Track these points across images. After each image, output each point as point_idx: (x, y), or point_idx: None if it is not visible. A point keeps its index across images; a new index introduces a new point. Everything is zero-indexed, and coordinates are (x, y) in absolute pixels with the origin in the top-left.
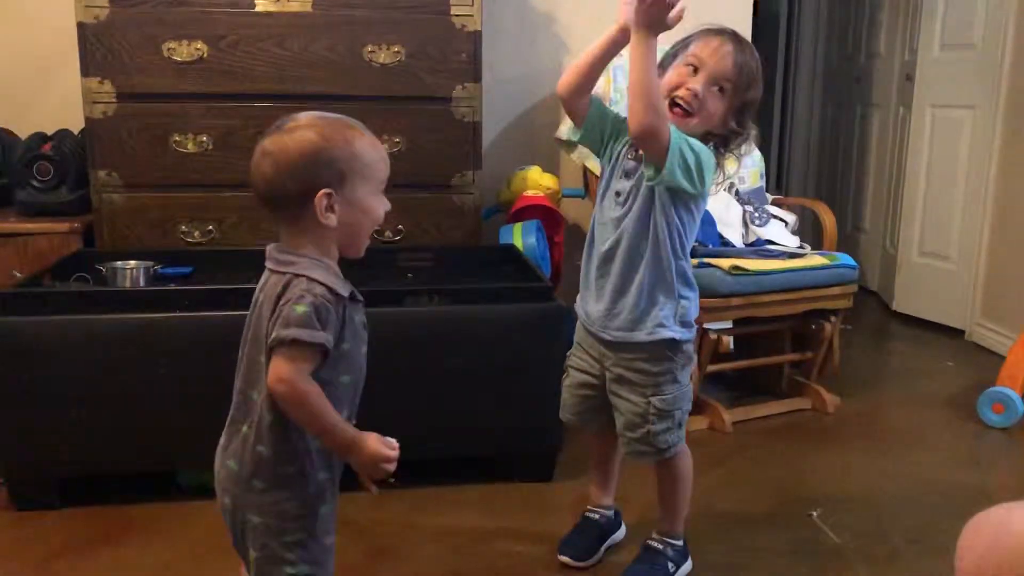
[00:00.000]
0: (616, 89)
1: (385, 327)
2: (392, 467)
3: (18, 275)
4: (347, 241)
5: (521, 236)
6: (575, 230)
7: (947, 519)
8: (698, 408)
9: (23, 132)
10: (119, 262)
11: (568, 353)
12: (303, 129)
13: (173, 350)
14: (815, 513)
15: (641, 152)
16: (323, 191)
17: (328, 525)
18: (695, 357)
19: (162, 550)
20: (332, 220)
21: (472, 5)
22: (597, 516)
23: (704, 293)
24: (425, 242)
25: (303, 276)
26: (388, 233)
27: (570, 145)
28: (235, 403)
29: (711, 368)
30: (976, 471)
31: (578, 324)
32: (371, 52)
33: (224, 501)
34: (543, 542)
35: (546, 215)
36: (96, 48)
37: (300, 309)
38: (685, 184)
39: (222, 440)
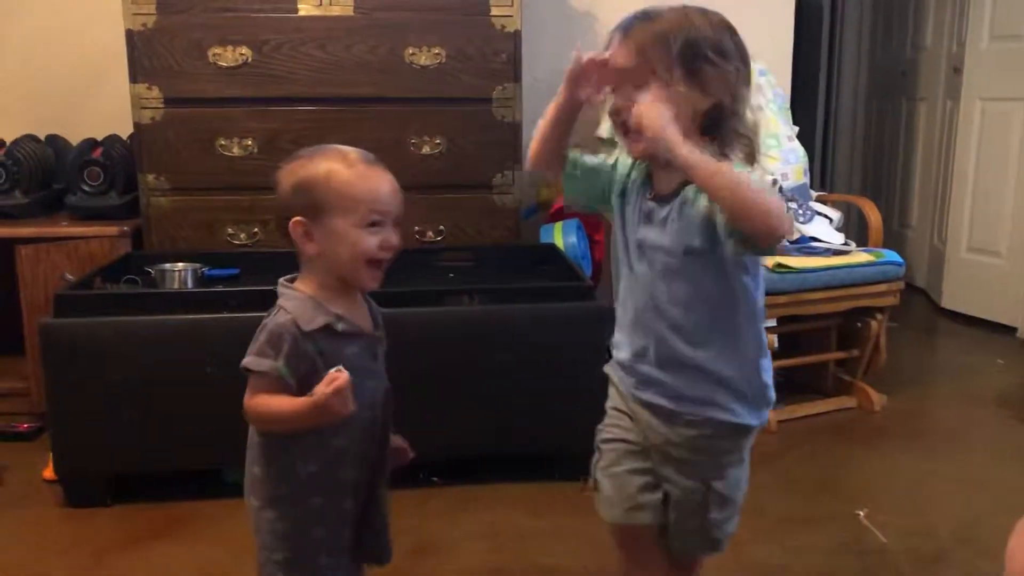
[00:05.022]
0: None
1: (426, 327)
2: (341, 392)
3: (70, 278)
4: (339, 273)
5: (562, 235)
6: None
7: (996, 519)
8: None
9: (74, 138)
10: (167, 264)
11: (598, 428)
12: (299, 162)
13: (220, 350)
14: (862, 512)
15: (656, 190)
16: (295, 219)
17: (325, 546)
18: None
19: (209, 546)
20: (310, 248)
21: (512, 6)
22: None
23: None
24: (466, 242)
25: (282, 307)
26: (429, 233)
27: (610, 144)
28: None
29: None
30: None
31: (611, 387)
32: (412, 54)
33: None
34: (585, 541)
35: (586, 214)
36: (144, 55)
37: (260, 337)
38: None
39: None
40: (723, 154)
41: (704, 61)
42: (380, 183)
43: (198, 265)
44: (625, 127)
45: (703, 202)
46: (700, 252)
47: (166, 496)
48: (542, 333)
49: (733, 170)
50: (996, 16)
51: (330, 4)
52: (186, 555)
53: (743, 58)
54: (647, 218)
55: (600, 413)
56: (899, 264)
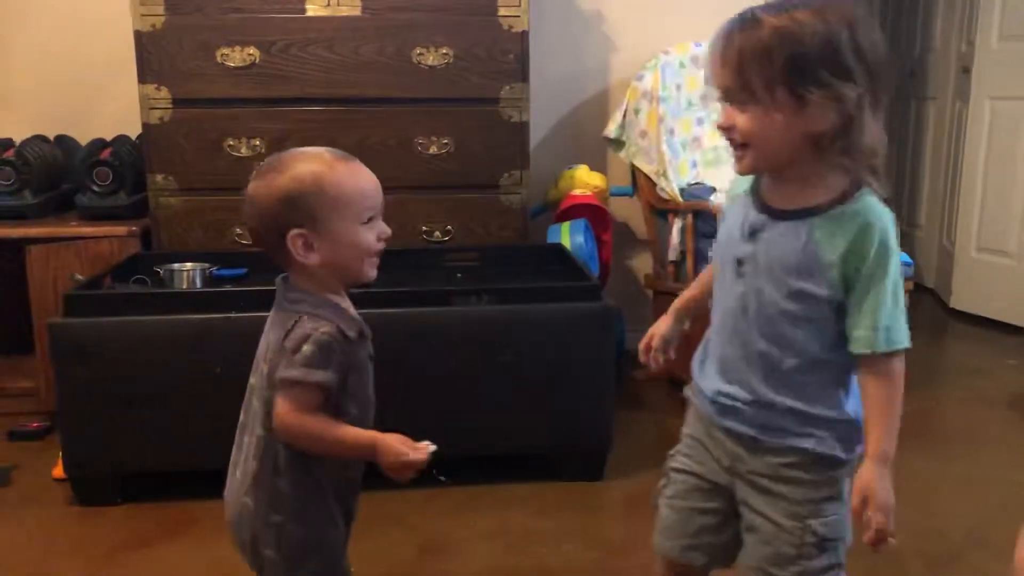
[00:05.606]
0: (664, 86)
1: (434, 327)
2: (416, 467)
3: (79, 278)
4: (342, 274)
5: (569, 235)
6: (623, 229)
7: (1007, 520)
8: None
9: (83, 138)
10: (176, 264)
11: (670, 453)
12: (274, 173)
13: (228, 350)
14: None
15: (768, 203)
16: (294, 232)
17: (341, 550)
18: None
19: (218, 545)
20: (312, 258)
21: (519, 5)
22: None
23: None
24: (473, 242)
25: (309, 315)
26: (437, 233)
27: (618, 144)
28: (246, 440)
29: None
30: None
31: (690, 412)
32: (420, 54)
33: (243, 538)
34: (592, 541)
35: (594, 214)
36: (152, 55)
37: (306, 349)
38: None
39: (237, 475)
40: (848, 181)
41: (813, 83)
42: (367, 178)
43: (206, 265)
44: (731, 142)
45: (832, 255)
46: (803, 291)
47: (175, 495)
48: (549, 333)
49: (896, 418)
50: (1006, 16)
51: (338, 4)
52: (195, 554)
53: (870, 68)
54: (752, 234)
55: (606, 412)
56: (908, 264)
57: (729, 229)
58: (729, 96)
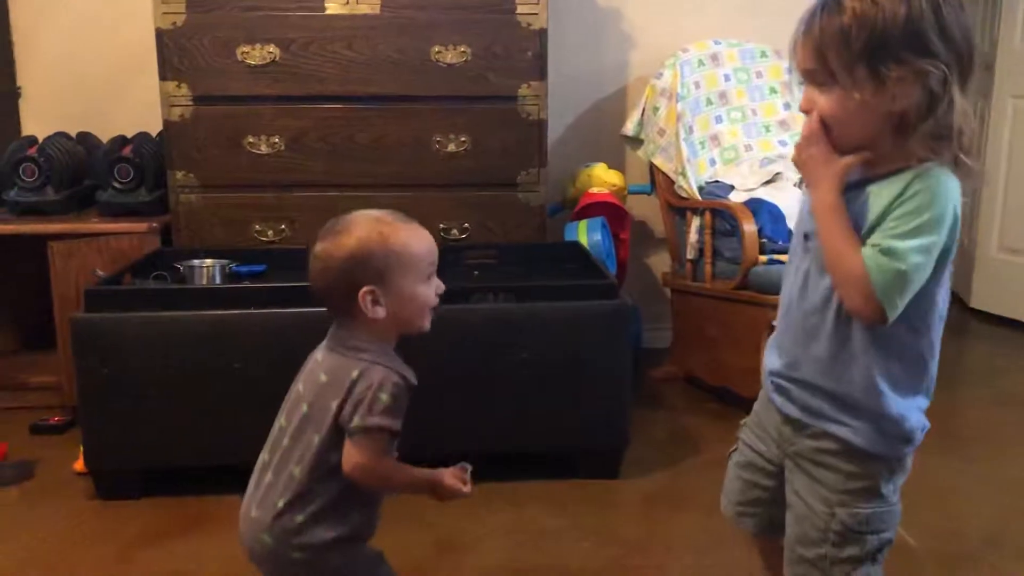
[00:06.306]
0: (683, 84)
1: (451, 324)
2: (468, 491)
3: (100, 273)
4: (403, 328)
5: (586, 233)
6: (641, 227)
7: None
8: None
9: (105, 135)
10: (196, 260)
11: (742, 423)
12: (343, 235)
13: (247, 346)
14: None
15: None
16: (364, 289)
17: (370, 558)
18: (908, 467)
19: (236, 541)
20: (380, 313)
21: (538, 3)
22: None
23: (774, 290)
24: (491, 240)
25: (380, 365)
26: (454, 231)
27: (636, 141)
28: (268, 479)
29: None
30: None
31: (761, 390)
32: (438, 53)
33: (272, 571)
34: (608, 539)
35: (612, 212)
36: (173, 53)
37: (384, 397)
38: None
39: (253, 513)
40: (921, 157)
41: (893, 61)
42: (426, 238)
43: (226, 261)
44: None
45: (876, 210)
46: None
47: (194, 490)
48: (566, 331)
49: (844, 240)
50: None
51: (357, 3)
52: (213, 549)
53: (955, 47)
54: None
55: (623, 410)
56: None
57: (803, 207)
58: (810, 78)
